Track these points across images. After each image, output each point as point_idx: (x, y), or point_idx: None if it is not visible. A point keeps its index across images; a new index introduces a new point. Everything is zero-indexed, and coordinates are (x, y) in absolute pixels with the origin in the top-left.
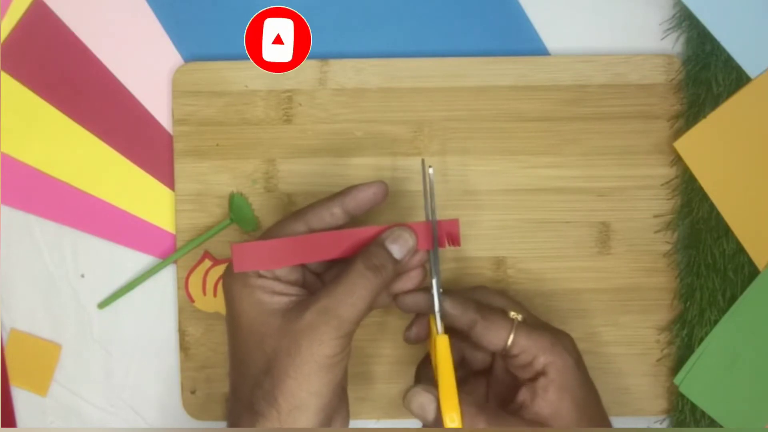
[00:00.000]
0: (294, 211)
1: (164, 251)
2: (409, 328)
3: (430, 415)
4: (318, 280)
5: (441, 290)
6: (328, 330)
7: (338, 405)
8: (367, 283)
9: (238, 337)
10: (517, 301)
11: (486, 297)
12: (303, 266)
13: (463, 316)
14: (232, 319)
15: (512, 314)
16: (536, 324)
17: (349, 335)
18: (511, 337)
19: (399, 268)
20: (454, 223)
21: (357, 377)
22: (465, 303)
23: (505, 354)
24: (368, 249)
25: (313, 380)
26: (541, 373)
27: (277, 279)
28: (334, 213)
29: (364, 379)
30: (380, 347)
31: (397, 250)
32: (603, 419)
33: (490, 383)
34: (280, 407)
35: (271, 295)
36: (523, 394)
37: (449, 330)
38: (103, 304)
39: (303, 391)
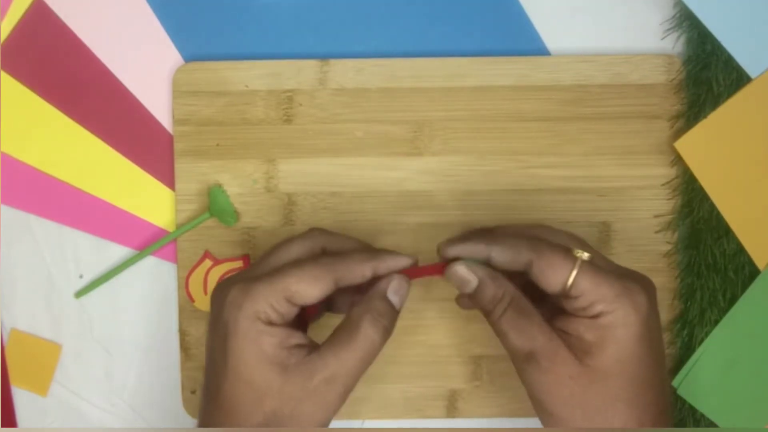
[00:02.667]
0: (316, 256)
1: (164, 251)
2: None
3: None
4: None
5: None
6: (334, 397)
7: None
8: (378, 348)
9: (231, 382)
10: (586, 242)
11: (547, 234)
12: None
13: (515, 260)
14: (226, 355)
15: (577, 252)
16: (607, 267)
17: (351, 392)
18: (572, 276)
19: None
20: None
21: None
22: (516, 244)
23: (565, 295)
24: (374, 306)
25: None
26: (593, 318)
27: (284, 325)
28: (365, 275)
29: (364, 379)
30: (384, 348)
31: (398, 301)
32: (654, 388)
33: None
34: None
35: (276, 346)
36: (565, 323)
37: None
38: (80, 294)
39: None
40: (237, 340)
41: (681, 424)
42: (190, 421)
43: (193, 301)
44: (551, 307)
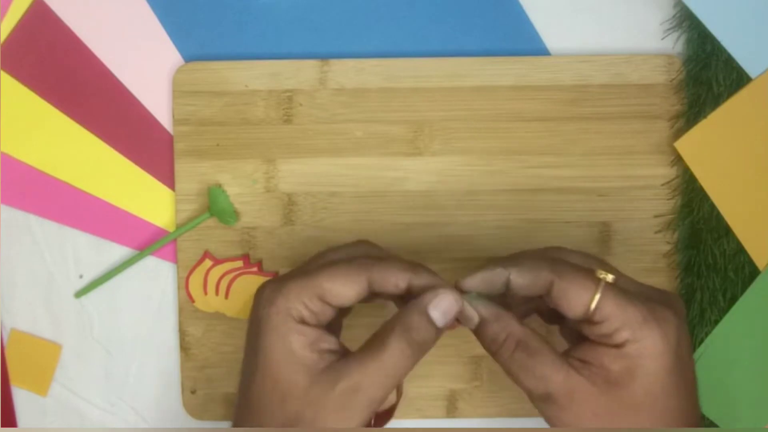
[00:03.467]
0: (349, 259)
1: (164, 251)
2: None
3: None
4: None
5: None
6: (357, 408)
7: None
8: (406, 363)
9: (259, 378)
10: (606, 262)
11: (566, 255)
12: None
13: (534, 282)
14: (256, 351)
15: (600, 273)
16: (633, 288)
17: (378, 408)
18: (596, 299)
19: (440, 335)
20: None
21: None
22: (536, 266)
23: (588, 320)
24: (410, 320)
25: None
26: (617, 347)
27: (317, 326)
28: (399, 286)
29: None
30: None
31: (440, 317)
32: (685, 420)
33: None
34: None
35: (305, 347)
36: (586, 353)
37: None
38: (80, 293)
39: None
40: (268, 336)
41: None
42: (190, 421)
43: (193, 301)
44: (571, 333)
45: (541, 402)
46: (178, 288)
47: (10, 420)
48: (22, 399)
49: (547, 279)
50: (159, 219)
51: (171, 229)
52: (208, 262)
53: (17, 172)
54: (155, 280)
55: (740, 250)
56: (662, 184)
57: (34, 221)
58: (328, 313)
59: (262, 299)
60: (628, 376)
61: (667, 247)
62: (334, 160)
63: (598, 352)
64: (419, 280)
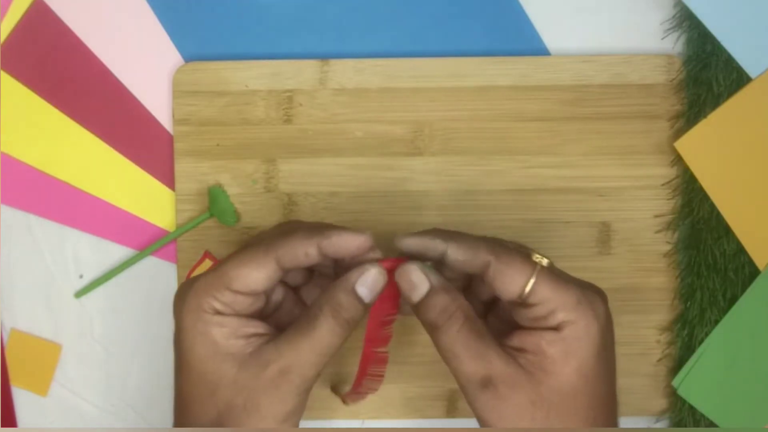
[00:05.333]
0: (260, 240)
1: (164, 251)
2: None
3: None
4: (295, 296)
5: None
6: (290, 389)
7: None
8: (335, 341)
9: (185, 377)
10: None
11: (502, 242)
12: (279, 284)
13: (472, 259)
14: (180, 353)
15: (536, 257)
16: (563, 274)
17: (311, 388)
18: (531, 282)
19: (366, 310)
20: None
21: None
22: (474, 244)
23: (521, 303)
24: (338, 298)
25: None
26: (554, 329)
27: (236, 315)
28: (309, 253)
29: None
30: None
31: (367, 293)
32: (609, 406)
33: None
34: None
35: (228, 337)
36: (522, 339)
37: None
38: (80, 293)
39: None
40: (187, 335)
41: (681, 424)
42: None
43: None
44: (499, 324)
45: (478, 389)
46: None
47: (10, 420)
48: (22, 399)
49: (485, 259)
50: (159, 219)
51: (171, 229)
52: (208, 262)
53: (17, 172)
54: (155, 281)
55: (740, 250)
56: (662, 184)
57: (34, 221)
58: (243, 301)
59: (176, 301)
60: (563, 359)
61: (667, 247)
62: (334, 160)
63: (533, 336)
64: (329, 241)
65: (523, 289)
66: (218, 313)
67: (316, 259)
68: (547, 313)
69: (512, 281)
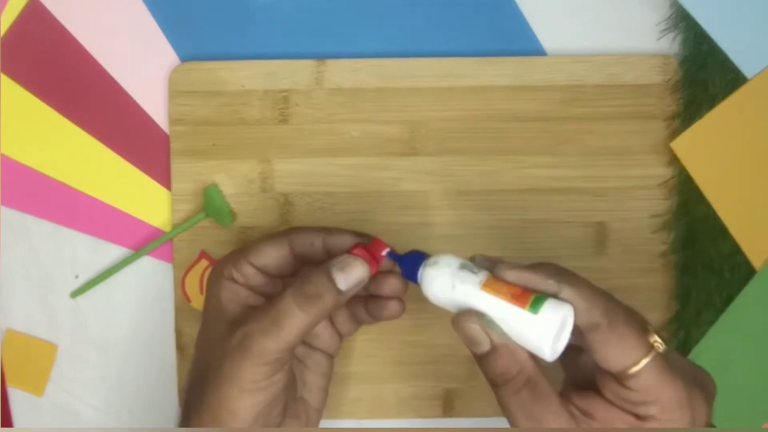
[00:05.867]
0: (277, 232)
1: (160, 251)
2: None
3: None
4: None
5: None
6: (249, 356)
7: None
8: (296, 314)
9: (201, 329)
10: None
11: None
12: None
13: (584, 313)
14: (202, 312)
15: (654, 338)
16: (676, 362)
17: (276, 363)
18: (641, 365)
19: (341, 299)
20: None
21: (356, 377)
22: (592, 297)
23: (618, 377)
24: (307, 275)
25: (232, 401)
26: (638, 416)
27: (248, 287)
28: (315, 244)
29: (363, 379)
30: (379, 347)
31: (343, 279)
32: None
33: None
34: (202, 418)
35: (230, 301)
36: (596, 408)
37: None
38: (76, 294)
39: (222, 409)
40: (207, 290)
41: None
42: None
43: (189, 301)
44: (575, 367)
45: None
46: (175, 288)
47: (6, 420)
48: (18, 399)
49: (597, 321)
50: (155, 219)
51: (167, 229)
52: (204, 263)
53: (13, 173)
54: (151, 280)
55: (736, 250)
56: (658, 185)
57: (30, 221)
58: (256, 277)
59: (212, 268)
60: None
61: (663, 248)
62: (330, 160)
63: (608, 411)
64: (332, 238)
65: (627, 369)
66: (233, 280)
67: (320, 251)
68: (641, 401)
69: (619, 358)
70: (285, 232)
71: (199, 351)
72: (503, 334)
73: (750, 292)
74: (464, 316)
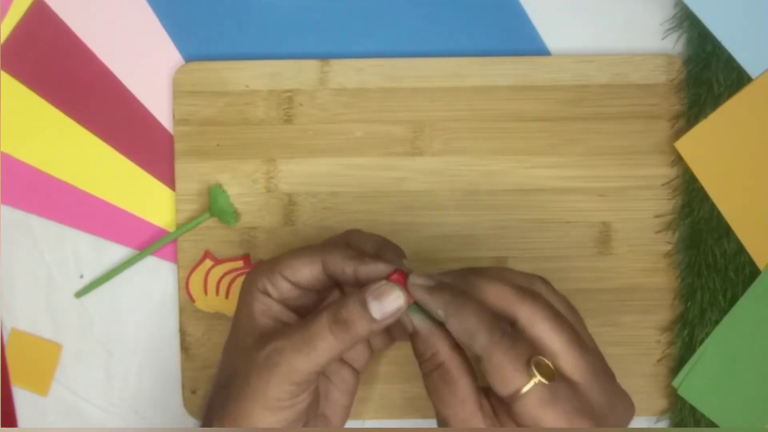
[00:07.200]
0: (324, 242)
1: (164, 251)
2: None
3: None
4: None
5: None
6: (277, 373)
7: None
8: (328, 338)
9: (228, 340)
10: (579, 338)
11: (530, 317)
12: (336, 288)
13: (467, 344)
14: (233, 319)
15: (532, 371)
16: (570, 389)
17: (303, 384)
18: (522, 392)
19: (375, 327)
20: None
21: (364, 377)
22: (475, 330)
23: (507, 400)
24: (344, 300)
25: (255, 417)
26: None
27: (281, 301)
28: (346, 271)
29: (364, 379)
30: None
31: (377, 308)
32: None
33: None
34: (223, 425)
35: (263, 314)
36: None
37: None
38: (80, 294)
39: (243, 421)
40: (240, 302)
41: (681, 424)
42: (191, 422)
43: (193, 301)
44: None
45: (441, 424)
46: (179, 288)
47: (10, 420)
48: (22, 399)
49: (477, 353)
50: (159, 219)
51: (171, 229)
52: (208, 263)
53: (17, 172)
54: (155, 281)
55: (741, 250)
56: (663, 184)
57: (34, 221)
58: (291, 291)
59: (246, 275)
60: None
61: (667, 247)
62: (334, 160)
63: (509, 420)
64: (364, 268)
65: (510, 397)
66: (266, 293)
67: (351, 278)
68: (526, 424)
69: (500, 386)
70: (318, 249)
71: (226, 358)
72: (425, 320)
73: (754, 291)
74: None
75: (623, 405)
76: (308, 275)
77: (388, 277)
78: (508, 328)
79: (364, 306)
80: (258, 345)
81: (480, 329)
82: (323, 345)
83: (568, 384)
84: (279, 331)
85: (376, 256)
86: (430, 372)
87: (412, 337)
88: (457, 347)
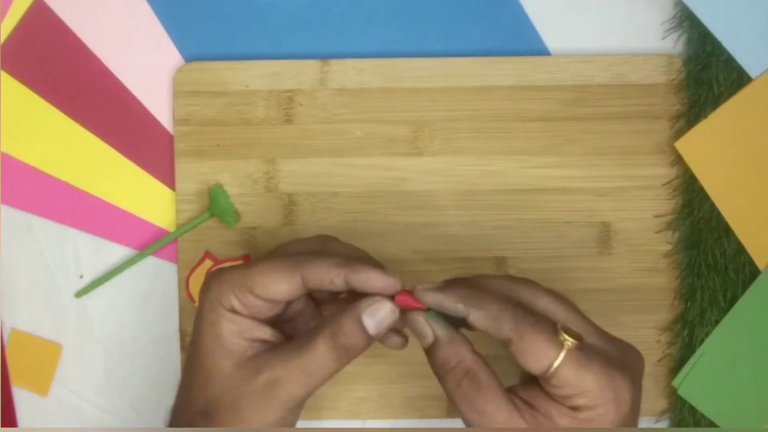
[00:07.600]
0: (293, 251)
1: (165, 251)
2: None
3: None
4: (315, 309)
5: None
6: (274, 402)
7: None
8: (329, 365)
9: (190, 359)
10: (574, 305)
11: (531, 297)
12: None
13: (494, 332)
14: (192, 335)
15: (563, 336)
16: (595, 348)
17: (299, 407)
18: (555, 365)
19: (371, 343)
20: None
21: (357, 377)
22: (498, 315)
23: (545, 381)
24: (341, 322)
25: None
26: (571, 408)
27: (250, 317)
28: (335, 282)
29: (364, 379)
30: (380, 347)
31: (373, 325)
32: None
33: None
34: None
35: (234, 335)
36: (536, 399)
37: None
38: (80, 294)
39: None
40: (201, 321)
41: (681, 424)
42: None
43: (193, 301)
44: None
45: None
46: (179, 288)
47: (10, 420)
48: (22, 399)
49: (507, 335)
50: (159, 219)
51: (171, 229)
52: (208, 263)
53: (17, 172)
54: (156, 281)
55: (741, 250)
56: (663, 184)
57: (34, 221)
58: (261, 306)
59: (203, 285)
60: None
61: (667, 247)
62: (334, 161)
63: (548, 404)
64: (357, 276)
65: (546, 371)
66: (234, 311)
67: (341, 288)
68: (568, 394)
69: (534, 363)
70: (294, 262)
71: (196, 383)
72: (446, 328)
73: (754, 291)
74: (411, 314)
75: (632, 353)
76: (285, 291)
77: (394, 300)
78: (526, 307)
79: (362, 326)
80: (243, 373)
81: (504, 312)
82: (323, 372)
83: (593, 332)
84: (264, 355)
85: (364, 260)
86: (459, 381)
87: (432, 349)
88: (477, 352)
